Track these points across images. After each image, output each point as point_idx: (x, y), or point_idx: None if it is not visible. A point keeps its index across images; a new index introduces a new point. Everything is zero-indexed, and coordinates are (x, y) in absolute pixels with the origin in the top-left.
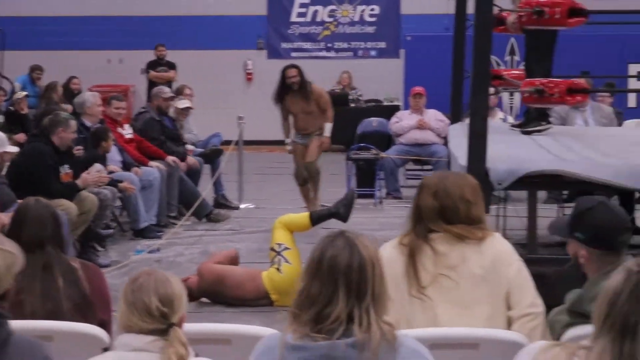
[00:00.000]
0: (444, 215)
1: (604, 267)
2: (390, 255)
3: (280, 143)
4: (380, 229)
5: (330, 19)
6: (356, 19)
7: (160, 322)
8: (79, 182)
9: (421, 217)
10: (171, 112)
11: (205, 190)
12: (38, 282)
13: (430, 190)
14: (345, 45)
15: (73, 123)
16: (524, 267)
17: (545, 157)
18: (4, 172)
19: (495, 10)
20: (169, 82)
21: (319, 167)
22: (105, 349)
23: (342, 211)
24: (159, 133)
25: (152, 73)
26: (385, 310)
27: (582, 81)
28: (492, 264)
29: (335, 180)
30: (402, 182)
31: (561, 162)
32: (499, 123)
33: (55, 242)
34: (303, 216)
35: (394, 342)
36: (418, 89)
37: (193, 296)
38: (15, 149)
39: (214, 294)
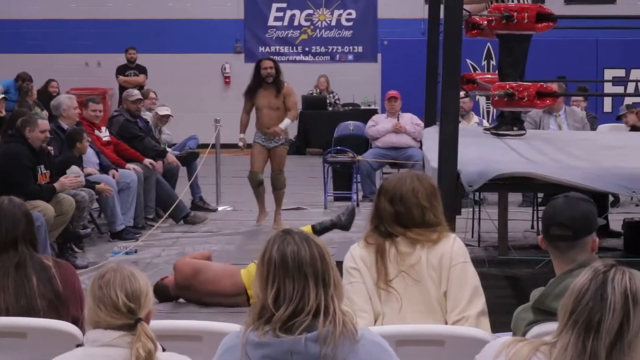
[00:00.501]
0: (399, 220)
1: (564, 265)
2: (361, 253)
3: None
4: (358, 231)
5: (307, 23)
6: (333, 23)
7: (127, 318)
8: (56, 185)
9: (381, 219)
10: (149, 117)
11: (182, 192)
12: (11, 280)
13: (387, 196)
14: (322, 49)
15: (42, 122)
16: (469, 270)
17: (515, 159)
18: None
19: (465, 14)
20: (140, 86)
21: (285, 179)
22: (79, 346)
23: (344, 220)
24: (137, 131)
25: (121, 78)
26: (343, 298)
27: (552, 85)
28: (438, 265)
29: (312, 183)
30: (378, 185)
31: (531, 165)
32: (474, 127)
33: (28, 241)
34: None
35: (354, 334)
36: (392, 92)
37: (170, 295)
38: None
39: (189, 288)
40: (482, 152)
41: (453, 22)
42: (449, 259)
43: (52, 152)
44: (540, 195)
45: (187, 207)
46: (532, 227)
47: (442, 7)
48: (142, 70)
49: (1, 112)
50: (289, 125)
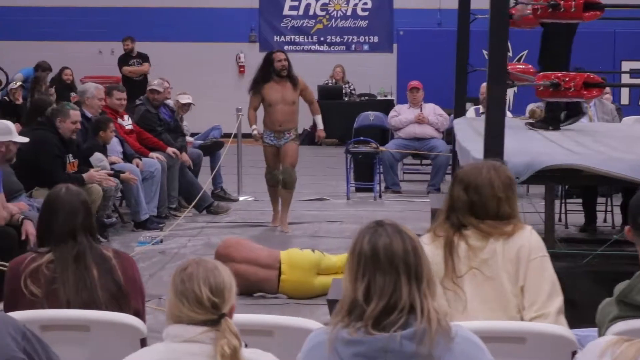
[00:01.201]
0: (473, 210)
1: None
2: (428, 248)
3: None
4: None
5: (323, 13)
6: (349, 12)
7: (211, 313)
8: (85, 176)
9: (454, 208)
10: (172, 105)
11: (207, 183)
12: (71, 272)
13: (462, 184)
14: (337, 39)
15: (74, 113)
16: (548, 264)
17: (558, 150)
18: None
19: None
20: (144, 75)
21: (296, 177)
22: (143, 340)
23: None
24: (156, 125)
25: (126, 68)
26: (436, 296)
27: (597, 76)
28: (516, 259)
29: (332, 174)
30: (400, 177)
31: (577, 157)
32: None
33: (87, 231)
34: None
35: (449, 332)
36: (415, 82)
37: None
38: (25, 139)
39: (226, 256)
40: (523, 144)
41: (500, 11)
42: (527, 252)
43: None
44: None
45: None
46: (560, 220)
47: None
48: (144, 58)
49: (18, 100)
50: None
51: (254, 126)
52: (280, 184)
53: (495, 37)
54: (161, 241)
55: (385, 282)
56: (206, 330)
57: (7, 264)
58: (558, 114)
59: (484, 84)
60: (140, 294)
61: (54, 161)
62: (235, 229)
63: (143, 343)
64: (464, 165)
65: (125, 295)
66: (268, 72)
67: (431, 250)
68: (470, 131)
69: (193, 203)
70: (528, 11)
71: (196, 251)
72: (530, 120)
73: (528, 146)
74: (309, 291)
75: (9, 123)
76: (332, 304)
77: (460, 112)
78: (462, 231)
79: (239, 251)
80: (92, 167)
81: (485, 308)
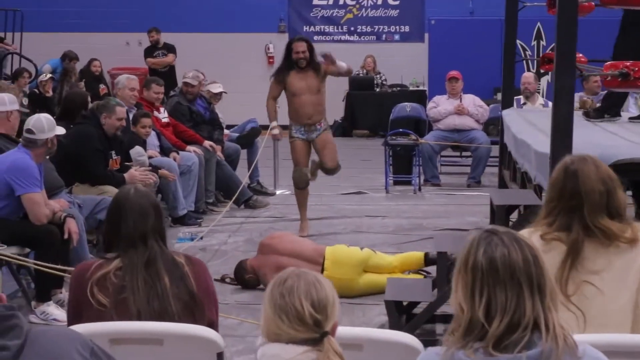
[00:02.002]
0: (580, 206)
1: None
2: None
3: None
4: (425, 217)
5: (353, 2)
6: (379, 2)
7: (313, 331)
8: (126, 175)
9: (558, 202)
10: (206, 96)
11: (245, 176)
12: (141, 280)
13: (568, 173)
14: (368, 29)
15: (120, 110)
16: None
17: (623, 143)
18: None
19: None
20: (170, 66)
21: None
22: (220, 354)
23: None
24: (187, 119)
25: (150, 60)
26: (559, 308)
27: None
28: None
29: (366, 165)
30: (439, 169)
31: None
32: (539, 108)
33: (158, 235)
34: (418, 256)
35: (576, 351)
36: (454, 72)
37: (244, 279)
38: (62, 130)
39: (270, 247)
40: (585, 137)
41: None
42: None
43: None
44: None
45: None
46: None
47: None
48: (170, 49)
49: (48, 92)
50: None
51: (274, 123)
52: (307, 187)
53: (563, 25)
54: (201, 238)
55: (508, 297)
56: (307, 350)
57: (51, 265)
58: (618, 102)
59: (526, 74)
60: (214, 303)
61: (96, 157)
62: (275, 224)
63: (220, 357)
64: (567, 156)
65: (199, 305)
66: (290, 62)
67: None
68: (523, 123)
69: (233, 198)
70: None
71: (237, 247)
72: (580, 111)
73: (591, 139)
74: (352, 289)
75: (51, 117)
76: (389, 305)
77: (508, 103)
78: (587, 233)
79: (283, 243)
80: (131, 160)
81: (596, 324)
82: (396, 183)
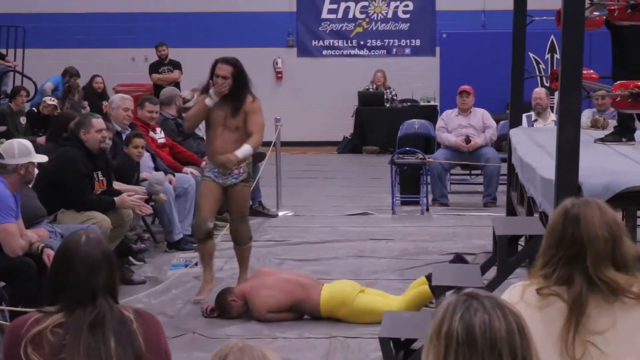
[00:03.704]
0: (582, 255)
1: None
2: (529, 313)
3: (317, 144)
4: (431, 240)
5: (363, 16)
6: (389, 15)
7: None
8: (116, 200)
9: (557, 250)
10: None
11: None
12: (83, 342)
13: (567, 217)
14: (378, 43)
15: (96, 122)
16: None
17: (638, 169)
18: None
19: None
20: (175, 83)
21: (249, 229)
22: None
23: None
24: (176, 133)
25: (155, 75)
26: None
27: None
28: None
29: (375, 184)
30: (447, 188)
31: None
32: (551, 126)
33: (109, 291)
34: (424, 294)
35: None
36: (465, 87)
37: (233, 306)
38: (44, 158)
39: (265, 273)
40: (596, 161)
41: (574, 13)
42: None
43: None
44: None
45: None
46: None
47: None
48: (176, 65)
49: (48, 111)
50: (248, 155)
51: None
52: (210, 240)
53: (568, 43)
54: (196, 264)
55: None
56: None
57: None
58: (632, 124)
59: (537, 89)
60: None
61: (81, 181)
62: (274, 248)
63: None
64: (567, 201)
65: None
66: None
67: (534, 315)
68: (531, 145)
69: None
70: (596, 13)
71: (234, 274)
72: (592, 130)
73: (603, 164)
74: (351, 307)
75: (27, 143)
76: (384, 343)
77: (515, 121)
78: (590, 287)
79: (279, 272)
80: (130, 183)
81: None
82: (403, 203)
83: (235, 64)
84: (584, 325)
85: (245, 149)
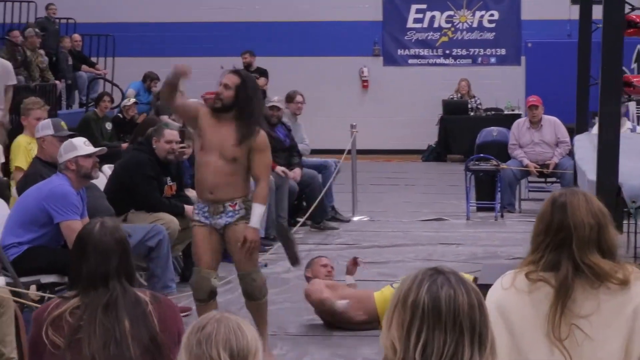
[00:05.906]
0: (569, 241)
1: None
2: (518, 298)
3: (402, 152)
4: (501, 245)
5: (448, 25)
6: (475, 24)
7: None
8: (186, 208)
9: (545, 237)
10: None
11: (315, 200)
12: (99, 323)
13: (556, 205)
14: (463, 52)
15: (168, 133)
16: None
17: None
18: (99, 183)
19: (627, 9)
20: (262, 91)
21: (263, 279)
22: None
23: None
24: None
25: None
26: None
27: None
28: (633, 314)
29: (453, 191)
30: (524, 195)
31: None
32: (628, 134)
33: (122, 275)
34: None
35: None
36: (533, 99)
37: None
38: (96, 150)
39: (319, 314)
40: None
41: (614, 20)
42: None
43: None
44: None
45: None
46: None
47: (594, 6)
48: (262, 73)
49: (130, 116)
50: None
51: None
52: (213, 301)
53: (608, 47)
54: (265, 265)
55: (446, 342)
56: None
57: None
58: None
59: None
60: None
61: (149, 183)
62: (345, 251)
63: None
64: (555, 190)
65: (161, 347)
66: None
67: (523, 299)
68: (590, 150)
69: (307, 213)
70: None
71: (300, 276)
72: None
73: None
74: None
75: (75, 140)
76: None
77: (582, 127)
78: (576, 272)
79: (330, 315)
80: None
81: None
82: (479, 209)
83: (243, 76)
84: (569, 308)
85: (258, 213)
